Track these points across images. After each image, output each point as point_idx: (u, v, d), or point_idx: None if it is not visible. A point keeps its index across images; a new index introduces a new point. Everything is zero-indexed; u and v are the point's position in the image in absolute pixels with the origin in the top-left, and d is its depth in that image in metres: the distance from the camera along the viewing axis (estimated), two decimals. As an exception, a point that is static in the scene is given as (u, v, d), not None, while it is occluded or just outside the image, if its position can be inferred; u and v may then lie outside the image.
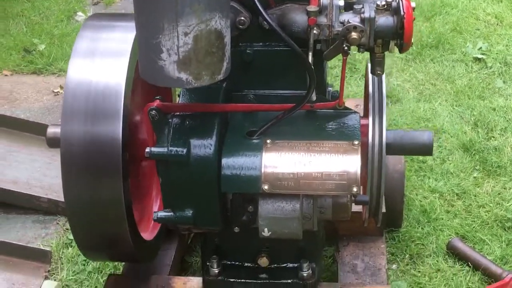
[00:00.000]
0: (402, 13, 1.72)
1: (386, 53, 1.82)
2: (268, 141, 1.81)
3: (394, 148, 2.00)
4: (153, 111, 1.82)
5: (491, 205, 2.91)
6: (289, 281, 2.06)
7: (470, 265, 2.65)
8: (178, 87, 1.71)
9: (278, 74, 1.89)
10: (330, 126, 1.87)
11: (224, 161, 1.80)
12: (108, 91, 1.91)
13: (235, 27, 1.82)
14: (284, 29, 1.80)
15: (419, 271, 2.64)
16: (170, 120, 1.84)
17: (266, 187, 1.77)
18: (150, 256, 2.20)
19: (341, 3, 1.78)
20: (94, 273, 2.59)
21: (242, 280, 2.07)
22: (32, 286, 2.57)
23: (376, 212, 1.94)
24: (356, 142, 1.80)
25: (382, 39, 1.75)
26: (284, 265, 2.07)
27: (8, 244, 2.67)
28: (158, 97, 1.85)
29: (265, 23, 1.78)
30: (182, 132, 1.83)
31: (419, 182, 3.05)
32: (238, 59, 1.85)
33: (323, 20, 1.74)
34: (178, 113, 1.85)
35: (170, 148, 1.80)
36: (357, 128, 1.87)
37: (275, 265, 2.06)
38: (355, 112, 1.92)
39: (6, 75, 3.85)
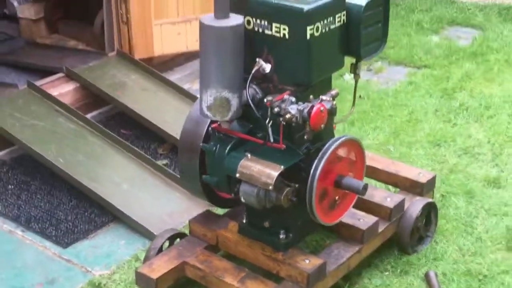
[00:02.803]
0: (310, 112, 3.39)
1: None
2: (249, 155, 3.50)
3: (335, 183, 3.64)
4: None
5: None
6: (274, 237, 3.75)
7: (428, 288, 3.96)
8: (206, 118, 3.63)
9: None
10: (279, 156, 3.48)
11: (228, 158, 3.56)
12: None
13: (254, 99, 3.59)
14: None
15: (393, 277, 4.02)
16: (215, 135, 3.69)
17: (238, 175, 3.48)
18: (225, 205, 4.05)
19: (293, 99, 3.41)
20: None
21: (253, 230, 3.83)
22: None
23: (311, 209, 3.59)
24: (282, 167, 3.38)
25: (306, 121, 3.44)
26: (276, 229, 3.75)
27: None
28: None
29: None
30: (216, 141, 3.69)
31: (456, 239, 4.34)
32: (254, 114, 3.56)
33: (283, 105, 3.45)
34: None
35: (208, 147, 3.69)
36: (289, 161, 3.44)
37: (272, 228, 3.74)
38: (298, 154, 3.56)
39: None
